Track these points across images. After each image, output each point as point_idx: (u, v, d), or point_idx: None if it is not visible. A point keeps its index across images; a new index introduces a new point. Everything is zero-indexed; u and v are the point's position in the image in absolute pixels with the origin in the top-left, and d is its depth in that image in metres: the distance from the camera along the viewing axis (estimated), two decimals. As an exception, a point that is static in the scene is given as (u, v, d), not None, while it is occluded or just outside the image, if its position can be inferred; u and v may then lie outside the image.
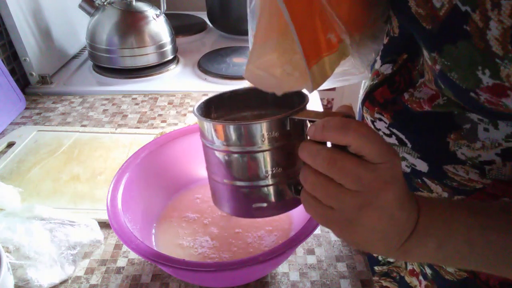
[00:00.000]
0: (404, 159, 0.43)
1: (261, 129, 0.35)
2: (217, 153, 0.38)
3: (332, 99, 1.78)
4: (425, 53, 0.36)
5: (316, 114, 0.34)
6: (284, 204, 0.39)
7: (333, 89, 1.73)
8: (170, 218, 0.55)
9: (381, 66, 0.45)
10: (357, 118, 0.50)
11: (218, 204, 0.43)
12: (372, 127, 0.45)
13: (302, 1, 0.31)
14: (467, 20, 0.30)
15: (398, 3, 0.38)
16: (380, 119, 0.44)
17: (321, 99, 0.90)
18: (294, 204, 0.40)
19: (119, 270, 0.50)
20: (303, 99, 0.38)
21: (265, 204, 0.39)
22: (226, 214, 0.42)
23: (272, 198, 0.39)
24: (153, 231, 0.53)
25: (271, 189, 0.38)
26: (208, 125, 0.37)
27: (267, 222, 0.52)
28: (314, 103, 0.88)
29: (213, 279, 0.45)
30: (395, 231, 0.31)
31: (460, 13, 0.30)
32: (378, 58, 0.46)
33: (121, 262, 0.51)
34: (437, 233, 0.31)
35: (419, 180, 0.43)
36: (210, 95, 0.44)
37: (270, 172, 0.37)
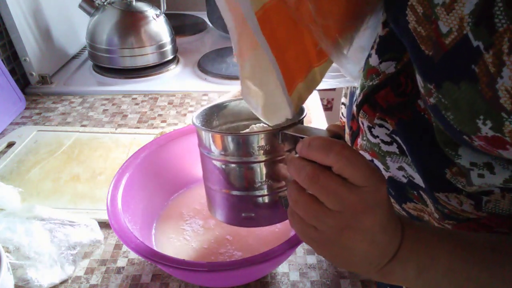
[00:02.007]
0: (402, 168, 0.40)
1: (252, 141, 0.36)
2: (210, 161, 0.39)
3: (332, 99, 1.78)
4: (419, 79, 0.31)
5: (306, 130, 0.34)
6: (272, 216, 0.40)
7: (333, 89, 1.73)
8: (170, 218, 0.55)
9: (380, 63, 0.38)
10: (347, 121, 0.48)
11: (211, 211, 0.44)
12: (368, 134, 0.41)
13: (285, 23, 0.30)
14: (477, 59, 0.25)
15: (394, 10, 0.32)
16: (381, 125, 0.39)
17: (321, 99, 0.90)
18: (283, 217, 0.40)
19: (119, 270, 0.50)
20: (301, 112, 0.39)
21: (253, 214, 0.40)
22: (219, 220, 0.43)
23: (261, 209, 0.39)
24: (153, 231, 0.53)
25: (260, 200, 0.39)
26: (202, 133, 0.39)
27: (255, 247, 0.50)
28: (314, 103, 0.88)
29: (213, 279, 0.45)
30: (376, 254, 0.30)
31: (470, 49, 0.25)
32: (373, 52, 0.39)
33: (121, 262, 0.51)
34: (418, 260, 0.31)
35: (415, 193, 0.41)
36: (213, 102, 0.45)
37: (260, 183, 0.38)
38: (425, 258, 0.31)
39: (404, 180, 0.40)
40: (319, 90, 0.95)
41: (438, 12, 0.27)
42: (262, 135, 0.36)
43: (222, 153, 0.37)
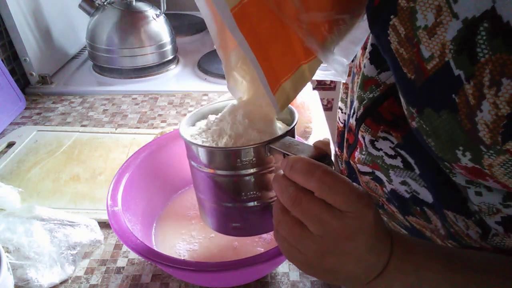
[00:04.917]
0: (405, 183, 0.38)
1: (238, 155, 0.35)
2: (198, 172, 0.39)
3: (332, 99, 1.77)
4: (402, 100, 0.30)
5: (292, 147, 0.34)
6: (261, 226, 0.40)
7: (333, 88, 1.73)
8: (170, 218, 0.55)
9: (379, 73, 0.36)
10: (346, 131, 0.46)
11: (202, 218, 0.44)
12: (370, 147, 0.39)
13: (268, 19, 0.29)
14: (458, 89, 0.25)
15: (376, 28, 0.30)
16: (386, 138, 0.37)
17: (321, 99, 0.90)
18: (271, 227, 0.39)
19: (119, 270, 0.50)
20: (292, 120, 0.38)
21: (241, 225, 0.40)
22: (209, 227, 0.43)
23: (249, 220, 0.39)
24: (153, 231, 0.53)
25: (248, 211, 0.39)
26: (188, 145, 0.38)
27: (256, 247, 0.50)
28: (314, 103, 0.88)
29: (213, 279, 0.45)
30: (362, 272, 0.30)
31: (451, 77, 0.25)
32: (367, 61, 0.37)
33: (121, 262, 0.51)
34: (404, 279, 0.30)
35: (418, 209, 0.39)
36: (204, 106, 0.44)
37: (248, 195, 0.37)
38: (412, 277, 0.30)
39: (407, 195, 0.39)
40: (318, 90, 0.95)
41: (420, 36, 0.26)
42: (248, 149, 0.35)
43: (209, 165, 0.37)
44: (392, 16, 0.28)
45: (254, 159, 0.35)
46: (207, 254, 0.50)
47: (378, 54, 0.35)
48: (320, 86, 1.73)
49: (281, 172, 0.31)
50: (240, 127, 0.37)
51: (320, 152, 0.31)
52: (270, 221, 0.38)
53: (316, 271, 0.31)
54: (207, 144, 0.37)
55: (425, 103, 0.27)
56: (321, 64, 0.37)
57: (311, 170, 0.28)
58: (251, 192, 0.37)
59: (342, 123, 0.50)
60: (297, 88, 0.35)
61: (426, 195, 0.37)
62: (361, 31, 0.36)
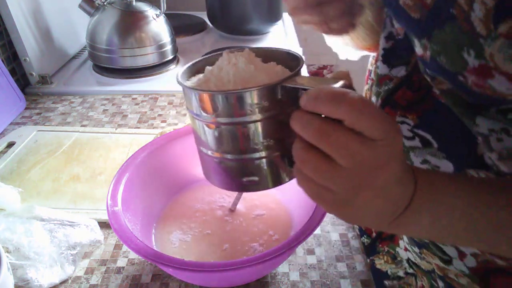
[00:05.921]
0: (426, 161, 0.41)
1: (249, 98, 0.31)
2: (203, 124, 0.35)
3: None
4: (416, 42, 0.37)
5: (309, 81, 0.31)
6: (277, 177, 0.37)
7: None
8: (170, 218, 0.55)
9: (390, 70, 0.44)
10: None
11: (207, 177, 0.40)
12: None
13: None
14: (453, 4, 0.31)
15: None
16: (403, 122, 0.42)
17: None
18: (289, 177, 0.36)
19: (119, 270, 0.50)
20: (298, 62, 0.35)
21: (256, 178, 0.36)
22: (216, 186, 0.39)
23: (264, 172, 0.36)
24: (153, 231, 0.53)
25: (262, 162, 0.35)
26: (191, 93, 0.34)
27: (255, 246, 0.50)
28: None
29: (213, 279, 0.45)
30: (389, 207, 0.29)
31: None
32: (380, 63, 0.45)
33: (121, 262, 0.51)
34: (432, 209, 0.30)
35: None
36: (200, 57, 0.40)
37: (261, 144, 0.34)
38: (439, 205, 0.30)
39: None
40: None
41: None
42: (259, 91, 0.31)
43: (214, 114, 0.33)
44: None
45: (266, 102, 0.32)
46: (195, 249, 0.50)
47: (389, 56, 0.44)
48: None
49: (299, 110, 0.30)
50: (244, 74, 0.34)
51: (342, 83, 0.28)
52: (284, 171, 0.36)
53: (345, 209, 0.29)
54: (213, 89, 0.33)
55: (432, 27, 0.34)
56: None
57: (340, 96, 0.26)
58: (264, 140, 0.34)
59: None
60: None
61: (446, 166, 0.40)
62: None
